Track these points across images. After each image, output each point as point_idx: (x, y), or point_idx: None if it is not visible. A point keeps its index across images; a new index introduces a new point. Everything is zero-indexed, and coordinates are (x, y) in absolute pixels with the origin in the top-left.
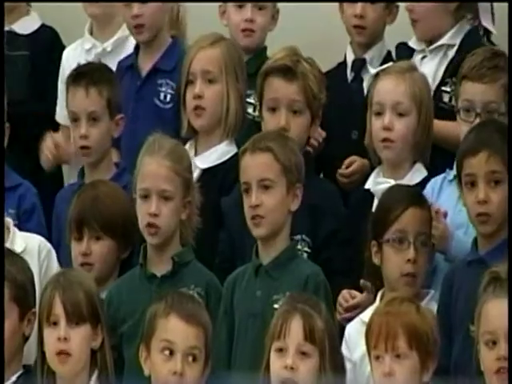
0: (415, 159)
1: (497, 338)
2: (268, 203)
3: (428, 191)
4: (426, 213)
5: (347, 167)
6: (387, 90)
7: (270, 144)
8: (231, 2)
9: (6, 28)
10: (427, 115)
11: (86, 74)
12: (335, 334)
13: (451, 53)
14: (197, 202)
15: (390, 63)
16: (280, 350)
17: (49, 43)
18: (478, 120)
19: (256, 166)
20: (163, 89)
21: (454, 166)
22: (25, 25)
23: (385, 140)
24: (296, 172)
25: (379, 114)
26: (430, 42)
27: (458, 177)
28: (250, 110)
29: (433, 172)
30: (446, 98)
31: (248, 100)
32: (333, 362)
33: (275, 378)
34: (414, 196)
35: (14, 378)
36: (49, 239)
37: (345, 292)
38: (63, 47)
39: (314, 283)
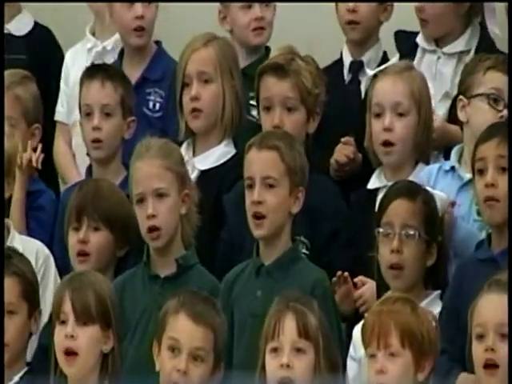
0: (417, 159)
1: (486, 331)
2: (270, 202)
3: (422, 180)
4: (417, 205)
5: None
6: (386, 90)
7: (278, 143)
8: (232, 1)
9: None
10: (427, 114)
11: (102, 69)
12: (329, 332)
13: (467, 58)
14: (195, 199)
15: (388, 63)
16: (275, 350)
17: (45, 44)
18: (505, 111)
19: (261, 162)
20: (152, 97)
21: (452, 156)
22: (19, 25)
23: (385, 143)
24: (300, 174)
25: (378, 115)
26: (436, 41)
27: (472, 169)
28: (254, 113)
29: None
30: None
31: (252, 102)
32: (328, 358)
33: (272, 378)
34: (402, 188)
35: (17, 378)
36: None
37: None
38: (59, 47)
39: (322, 290)
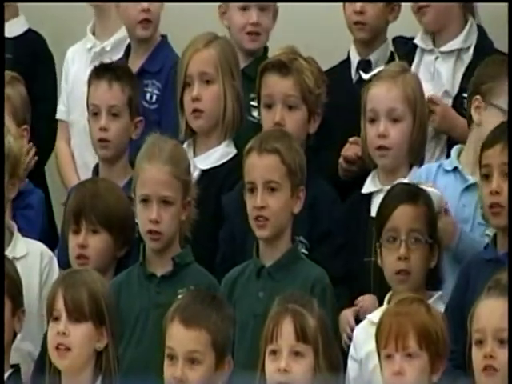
0: (411, 162)
1: (484, 337)
2: (273, 206)
3: (421, 178)
4: (420, 209)
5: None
6: (380, 96)
7: (277, 145)
8: (231, 2)
9: None
10: (422, 117)
11: (110, 69)
12: (329, 331)
13: (466, 57)
14: (194, 197)
15: (382, 67)
16: (274, 353)
17: (34, 47)
18: None
19: (263, 167)
20: (149, 89)
21: (452, 156)
22: (11, 27)
23: (380, 147)
24: (300, 174)
25: (373, 120)
26: (433, 39)
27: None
28: (255, 114)
29: None
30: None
31: (252, 103)
32: (328, 359)
33: (270, 381)
34: (406, 193)
35: (4, 378)
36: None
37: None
38: (49, 53)
39: (321, 287)
